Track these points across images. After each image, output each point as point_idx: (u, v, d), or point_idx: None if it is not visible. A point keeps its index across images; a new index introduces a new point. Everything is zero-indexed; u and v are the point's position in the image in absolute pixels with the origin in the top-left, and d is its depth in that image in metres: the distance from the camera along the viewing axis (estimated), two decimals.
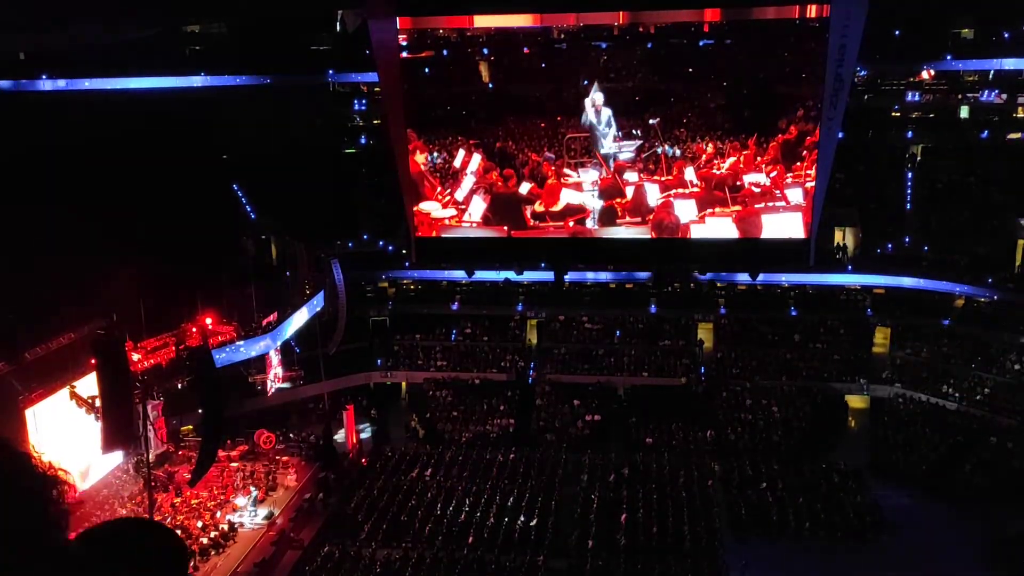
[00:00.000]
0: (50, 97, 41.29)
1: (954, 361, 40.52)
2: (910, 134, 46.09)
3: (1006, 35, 43.79)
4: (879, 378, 41.50)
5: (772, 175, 32.17)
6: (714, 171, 31.62)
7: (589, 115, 31.46)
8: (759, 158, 31.40)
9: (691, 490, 33.98)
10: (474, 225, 35.50)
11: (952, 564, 28.92)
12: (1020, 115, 45.35)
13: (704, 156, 32.18)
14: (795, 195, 33.51)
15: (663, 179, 33.14)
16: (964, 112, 46.44)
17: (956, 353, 40.80)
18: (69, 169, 34.64)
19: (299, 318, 40.46)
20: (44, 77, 42.14)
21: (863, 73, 44.98)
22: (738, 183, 32.30)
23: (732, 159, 30.02)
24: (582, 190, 34.30)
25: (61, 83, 41.86)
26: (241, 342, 35.90)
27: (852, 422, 41.55)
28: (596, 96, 30.93)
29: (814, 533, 31.28)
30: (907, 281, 42.60)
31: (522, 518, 31.74)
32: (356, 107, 49.54)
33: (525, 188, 34.30)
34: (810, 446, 38.00)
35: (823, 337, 43.50)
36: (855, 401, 42.02)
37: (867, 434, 39.98)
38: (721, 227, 33.55)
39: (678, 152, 31.79)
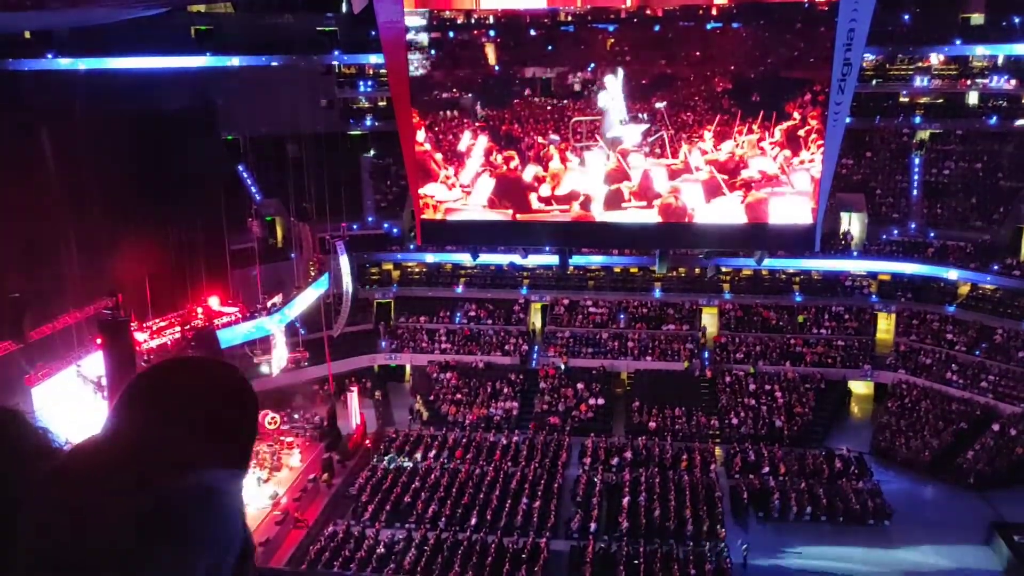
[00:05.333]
0: (55, 75, 41.19)
1: (959, 348, 40.50)
2: (918, 119, 45.82)
3: (1016, 20, 43.41)
4: (883, 364, 41.51)
5: (779, 160, 32.03)
6: (719, 157, 31.49)
7: (603, 99, 31.26)
8: (766, 143, 31.26)
9: (693, 474, 34.12)
10: (480, 208, 35.38)
11: (952, 549, 29.04)
12: None
13: (711, 141, 32.01)
14: (801, 180, 33.33)
15: (669, 164, 33.02)
16: (973, 98, 46.14)
17: (961, 340, 40.76)
18: (74, 148, 34.61)
19: (304, 299, 40.53)
20: (50, 56, 42.02)
21: (872, 58, 44.70)
22: (744, 169, 32.18)
23: (731, 142, 29.94)
24: (588, 174, 34.15)
25: (66, 62, 41.73)
26: (246, 323, 35.97)
27: (855, 408, 41.62)
28: (611, 80, 30.71)
29: (815, 518, 31.41)
30: (912, 267, 42.54)
31: (525, 500, 31.91)
32: (362, 88, 49.41)
33: (531, 171, 34.18)
34: (813, 431, 38.08)
35: (827, 323, 43.49)
36: (858, 387, 42.08)
37: (870, 420, 40.08)
38: (728, 212, 33.44)
39: (684, 138, 31.65)
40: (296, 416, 38.73)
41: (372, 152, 49.09)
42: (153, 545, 1.25)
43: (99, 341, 29.38)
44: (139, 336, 30.40)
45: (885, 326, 43.73)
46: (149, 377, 1.52)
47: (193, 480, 1.33)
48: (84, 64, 41.73)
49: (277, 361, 39.15)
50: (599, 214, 33.14)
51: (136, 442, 1.40)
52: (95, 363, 30.17)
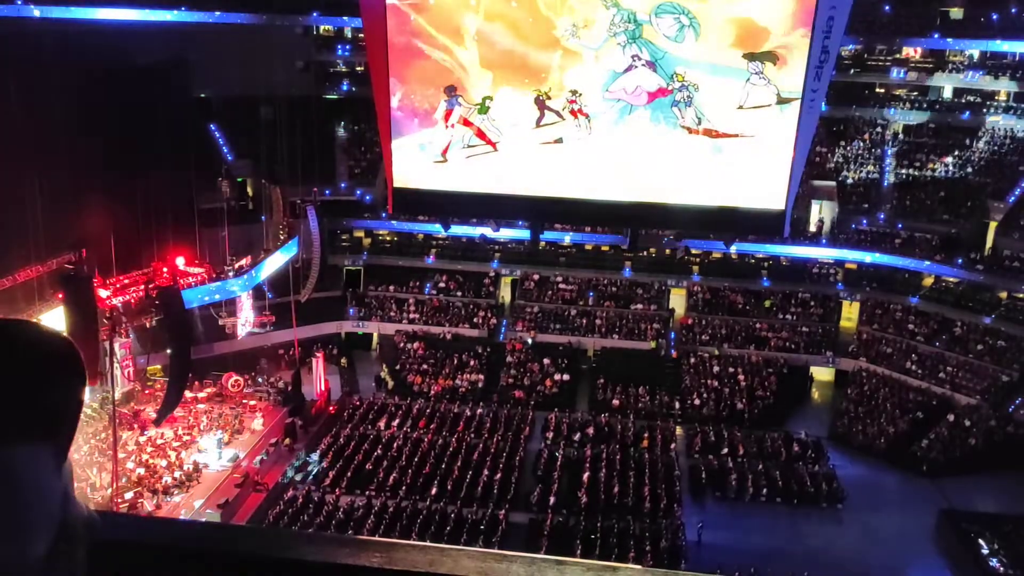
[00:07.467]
0: (23, 24, 40.18)
1: (919, 339, 41.14)
2: (892, 111, 46.19)
3: (994, 16, 43.78)
4: (845, 351, 42.09)
5: (754, 137, 32.10)
6: (693, 134, 31.52)
7: (583, 70, 31.08)
8: (744, 120, 31.33)
9: (653, 452, 34.48)
10: (454, 175, 35.12)
11: (901, 532, 29.69)
12: (1002, 98, 45.55)
13: (687, 119, 32.02)
14: (774, 166, 33.44)
15: (646, 136, 33.00)
16: (948, 92, 46.56)
17: (922, 331, 41.41)
18: (42, 100, 33.85)
19: (273, 263, 40.18)
20: (19, 2, 40.99)
21: (851, 47, 44.90)
22: (719, 140, 32.24)
23: (707, 125, 29.99)
24: (566, 143, 34.02)
25: (34, 11, 40.72)
26: (213, 284, 35.61)
27: (816, 393, 42.22)
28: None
29: (771, 499, 31.92)
30: (878, 257, 43.04)
31: (486, 472, 32.07)
32: (339, 52, 48.75)
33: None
34: (773, 415, 38.59)
35: (793, 309, 43.96)
36: (820, 373, 42.65)
37: (829, 406, 40.68)
38: (699, 192, 33.54)
39: (661, 118, 31.63)
40: (260, 380, 38.56)
41: (346, 121, 48.50)
42: None
43: (60, 296, 28.99)
44: (102, 292, 29.97)
45: (849, 314, 44.29)
46: None
47: None
48: (56, 13, 40.68)
49: (243, 324, 38.88)
50: (573, 189, 33.07)
51: None
52: (56, 318, 29.78)
